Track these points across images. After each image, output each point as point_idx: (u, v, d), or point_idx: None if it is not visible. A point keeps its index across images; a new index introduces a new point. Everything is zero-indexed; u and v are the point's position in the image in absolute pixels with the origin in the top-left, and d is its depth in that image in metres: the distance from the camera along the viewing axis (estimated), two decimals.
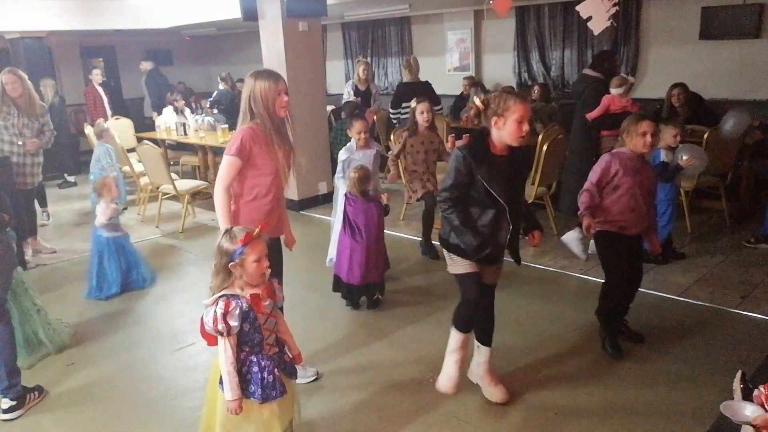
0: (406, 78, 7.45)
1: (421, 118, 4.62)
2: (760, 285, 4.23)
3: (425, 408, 2.99)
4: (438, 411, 2.96)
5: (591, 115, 4.68)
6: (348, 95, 7.98)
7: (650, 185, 3.32)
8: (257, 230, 2.27)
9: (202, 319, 2.22)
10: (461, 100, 8.64)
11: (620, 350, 3.37)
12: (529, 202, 5.28)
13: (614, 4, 4.03)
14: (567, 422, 2.85)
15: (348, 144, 4.48)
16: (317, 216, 6.56)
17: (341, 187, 4.35)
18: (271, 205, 2.99)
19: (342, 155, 4.42)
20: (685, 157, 4.37)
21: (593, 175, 3.27)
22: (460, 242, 2.70)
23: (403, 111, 7.19)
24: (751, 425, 2.06)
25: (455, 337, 2.96)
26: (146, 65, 10.67)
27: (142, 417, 3.07)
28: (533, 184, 5.21)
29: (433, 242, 5.05)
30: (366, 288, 4.11)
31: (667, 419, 2.82)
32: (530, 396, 3.05)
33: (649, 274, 4.52)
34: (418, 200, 5.05)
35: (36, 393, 3.22)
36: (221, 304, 2.18)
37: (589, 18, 4.18)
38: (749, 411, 2.11)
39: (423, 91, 7.07)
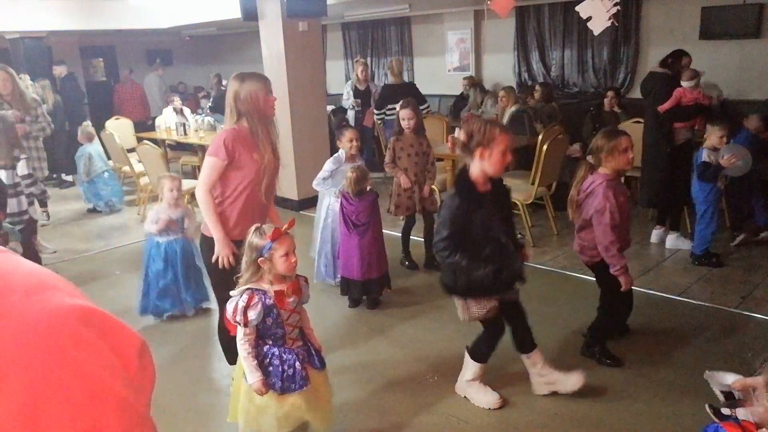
0: (390, 80, 7.48)
1: (404, 125, 4.58)
2: (761, 285, 4.23)
3: (425, 408, 2.99)
4: (438, 411, 2.96)
5: (662, 108, 4.72)
6: (348, 95, 7.99)
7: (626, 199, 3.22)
8: (285, 226, 2.35)
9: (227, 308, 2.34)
10: (461, 101, 8.65)
11: (618, 359, 3.31)
12: (529, 202, 5.34)
13: (614, 4, 4.03)
14: (567, 422, 2.85)
15: (336, 155, 4.46)
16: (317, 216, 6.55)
17: (326, 194, 4.43)
18: (257, 204, 2.95)
19: (330, 165, 4.39)
20: (726, 156, 4.30)
21: (610, 217, 3.02)
22: (476, 280, 2.62)
23: (387, 112, 7.23)
24: (732, 392, 2.21)
25: (474, 367, 2.94)
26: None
27: None
28: (533, 184, 5.21)
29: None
30: (368, 284, 4.12)
31: (667, 419, 2.82)
32: (530, 396, 3.05)
33: (649, 274, 4.54)
34: (400, 217, 4.95)
35: None
36: (245, 296, 2.28)
37: (589, 18, 4.18)
38: (730, 380, 2.26)
39: (407, 92, 7.14)
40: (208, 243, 2.93)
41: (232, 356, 3.03)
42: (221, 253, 2.84)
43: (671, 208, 5.05)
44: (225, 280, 2.77)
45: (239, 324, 2.29)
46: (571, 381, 2.94)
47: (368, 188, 4.13)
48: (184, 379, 3.41)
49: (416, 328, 3.86)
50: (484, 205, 2.59)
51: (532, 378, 3.01)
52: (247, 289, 2.31)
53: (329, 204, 4.45)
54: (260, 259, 2.30)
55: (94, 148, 6.94)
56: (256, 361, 2.33)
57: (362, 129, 7.81)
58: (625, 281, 3.13)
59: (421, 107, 7.29)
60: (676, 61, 4.89)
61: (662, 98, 4.75)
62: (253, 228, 2.38)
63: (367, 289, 4.14)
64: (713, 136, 4.34)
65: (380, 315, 4.09)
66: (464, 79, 8.79)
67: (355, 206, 4.05)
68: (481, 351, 2.92)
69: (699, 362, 3.28)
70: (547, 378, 2.97)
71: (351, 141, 4.36)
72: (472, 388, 2.98)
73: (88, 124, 7.19)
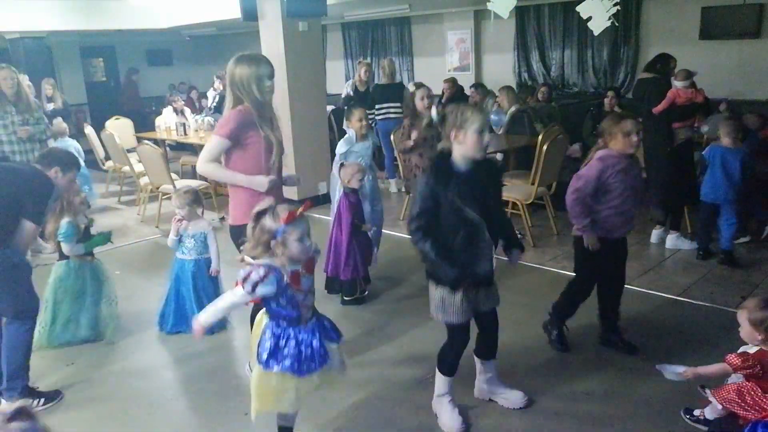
0: (382, 80, 7.49)
1: (420, 105, 4.61)
2: (761, 285, 4.23)
3: (425, 407, 2.99)
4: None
5: (656, 109, 4.74)
6: (346, 95, 8.01)
7: (638, 184, 3.24)
8: (300, 209, 2.25)
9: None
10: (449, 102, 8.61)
11: (567, 346, 3.44)
12: (529, 202, 5.33)
13: (614, 4, 4.03)
14: (567, 422, 2.85)
15: (346, 135, 4.41)
16: (317, 216, 6.55)
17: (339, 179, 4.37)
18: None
19: (341, 147, 4.36)
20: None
21: (583, 183, 3.14)
22: (438, 275, 2.59)
23: (377, 112, 7.24)
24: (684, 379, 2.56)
25: (443, 381, 2.82)
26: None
27: (141, 417, 3.08)
28: (533, 183, 5.21)
29: None
30: (354, 282, 4.15)
31: (668, 419, 2.81)
32: (530, 396, 3.04)
33: (649, 274, 4.54)
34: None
35: (42, 399, 3.11)
36: (261, 271, 2.17)
37: (589, 18, 4.18)
38: (680, 370, 2.58)
39: (395, 92, 7.17)
40: (235, 232, 2.95)
41: None
42: (263, 184, 2.89)
43: (674, 209, 5.04)
44: None
45: (244, 290, 2.19)
46: (513, 397, 2.93)
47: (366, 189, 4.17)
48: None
49: (417, 328, 3.84)
50: (456, 182, 2.49)
51: (477, 381, 3.00)
52: (265, 264, 2.20)
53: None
54: (273, 241, 2.20)
55: (68, 143, 6.86)
56: (219, 317, 2.33)
57: None
58: (589, 240, 3.18)
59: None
60: (665, 64, 4.90)
61: (656, 101, 4.76)
62: (268, 209, 2.25)
63: (355, 287, 4.17)
64: (726, 138, 4.43)
65: (380, 315, 4.08)
66: (445, 81, 8.49)
67: (352, 203, 4.08)
68: (445, 361, 2.81)
69: (699, 362, 3.26)
70: (491, 389, 2.97)
71: (360, 120, 4.32)
72: (441, 406, 2.84)
73: (60, 121, 7.06)
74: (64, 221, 3.59)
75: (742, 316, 2.39)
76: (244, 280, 2.17)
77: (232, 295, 2.27)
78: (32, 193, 2.87)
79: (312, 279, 2.36)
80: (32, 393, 3.11)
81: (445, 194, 2.48)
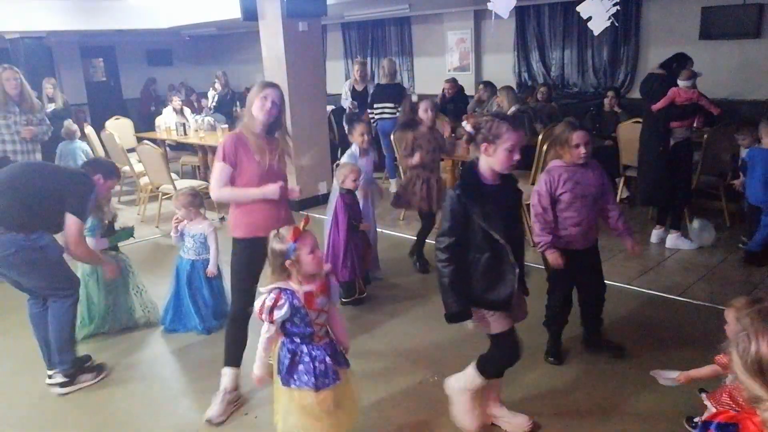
0: (381, 80, 7.50)
1: (425, 116, 4.53)
2: (760, 285, 4.23)
3: (425, 407, 2.99)
4: (438, 411, 2.96)
5: (656, 106, 4.74)
6: (345, 95, 8.00)
7: (596, 192, 3.15)
8: (303, 223, 2.33)
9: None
10: (450, 104, 8.59)
11: (560, 359, 3.36)
12: (529, 202, 5.32)
13: (614, 4, 4.03)
14: (566, 420, 2.85)
15: (349, 150, 4.46)
16: (317, 216, 6.55)
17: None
18: (266, 208, 2.98)
19: (345, 161, 4.40)
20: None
21: (537, 199, 3.12)
22: (442, 299, 2.49)
23: (376, 112, 7.25)
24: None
25: (477, 380, 2.66)
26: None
27: (142, 417, 3.08)
28: (533, 184, 5.21)
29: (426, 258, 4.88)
30: (353, 283, 4.16)
31: (668, 420, 2.81)
32: (529, 396, 3.05)
33: (649, 274, 4.54)
34: (418, 212, 4.82)
35: (92, 373, 3.36)
36: (272, 295, 2.26)
37: (589, 18, 4.18)
38: (674, 375, 2.61)
39: (394, 93, 7.18)
40: (235, 244, 3.03)
41: (230, 358, 3.04)
42: (275, 190, 2.93)
43: (672, 208, 5.05)
44: (244, 285, 2.94)
45: (264, 321, 2.28)
46: (517, 421, 2.80)
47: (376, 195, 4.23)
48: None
49: (417, 329, 3.85)
50: (486, 198, 2.41)
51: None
52: (275, 288, 2.28)
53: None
54: (288, 262, 2.26)
55: (76, 145, 6.90)
56: (266, 360, 2.35)
57: None
58: (551, 258, 3.12)
59: (401, 109, 7.32)
60: (681, 65, 4.86)
61: (658, 98, 4.76)
62: (271, 235, 2.34)
63: (354, 288, 4.19)
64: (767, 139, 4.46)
65: (379, 315, 4.09)
66: (446, 82, 8.50)
67: (349, 204, 4.08)
68: (490, 367, 2.66)
69: (700, 362, 3.27)
70: (492, 411, 2.84)
71: (362, 135, 4.37)
72: (459, 400, 2.75)
73: (70, 122, 7.07)
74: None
75: (730, 314, 2.42)
76: (261, 311, 2.25)
77: (262, 331, 2.33)
78: (74, 190, 3.13)
79: (326, 300, 2.40)
80: (82, 366, 3.36)
81: (474, 210, 2.39)
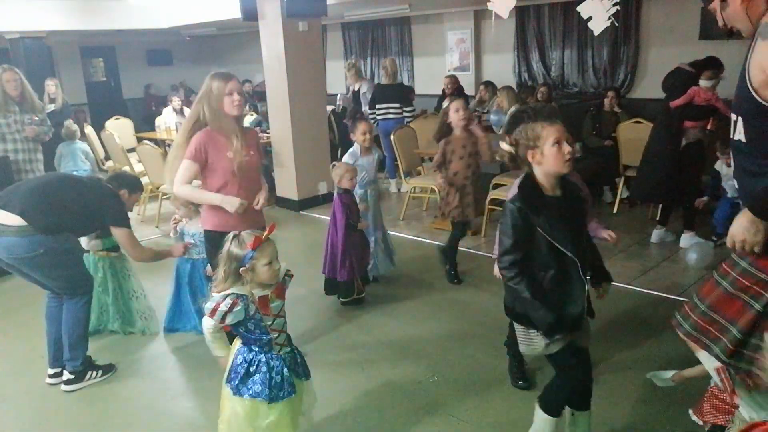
0: (383, 80, 7.51)
1: (456, 117, 4.21)
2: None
3: (425, 408, 2.99)
4: (438, 411, 2.96)
5: (675, 103, 4.70)
6: (344, 94, 8.04)
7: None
8: (266, 233, 2.25)
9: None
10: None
11: (530, 381, 3.15)
12: None
13: (614, 4, 4.03)
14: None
15: (351, 149, 4.44)
16: (317, 216, 6.56)
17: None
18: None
19: (347, 160, 4.38)
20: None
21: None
22: (532, 318, 2.23)
23: (378, 112, 7.25)
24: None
25: (545, 422, 2.44)
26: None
27: (142, 417, 3.08)
28: None
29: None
30: (352, 283, 4.14)
31: (669, 420, 2.81)
32: (529, 396, 3.04)
33: (649, 274, 4.53)
34: (451, 220, 4.50)
35: (100, 371, 3.39)
36: (228, 300, 2.18)
37: (590, 18, 4.18)
38: (669, 374, 2.63)
39: (395, 92, 7.18)
40: (207, 236, 3.16)
41: None
42: (234, 205, 2.97)
43: (685, 209, 5.01)
44: None
45: (214, 321, 2.22)
46: None
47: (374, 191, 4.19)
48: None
49: (417, 329, 3.85)
50: (549, 208, 2.20)
51: None
52: (231, 294, 2.20)
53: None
54: (242, 269, 2.20)
55: (76, 145, 6.87)
56: (219, 342, 2.32)
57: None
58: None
59: (407, 110, 7.34)
60: (714, 66, 4.81)
61: (678, 94, 4.72)
62: (230, 236, 2.26)
63: (352, 288, 4.17)
64: None
65: (379, 316, 4.09)
66: (446, 77, 8.50)
67: (345, 204, 4.08)
68: (553, 399, 2.44)
69: (698, 361, 3.28)
70: None
71: (364, 134, 4.32)
72: None
73: (71, 122, 7.06)
74: None
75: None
76: (213, 311, 2.19)
77: (205, 327, 2.28)
78: (112, 207, 3.32)
79: (282, 303, 2.34)
80: (91, 364, 3.39)
81: (538, 222, 2.17)
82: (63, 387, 3.29)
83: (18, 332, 4.04)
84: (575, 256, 2.19)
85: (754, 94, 1.88)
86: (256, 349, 2.30)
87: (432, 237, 5.56)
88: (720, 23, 2.15)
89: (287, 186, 6.91)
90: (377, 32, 10.82)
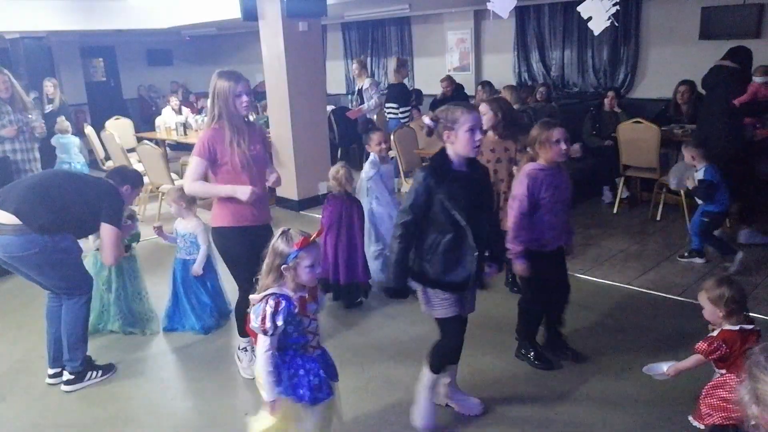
0: (392, 79, 7.57)
1: (484, 120, 3.96)
2: (761, 285, 4.23)
3: None
4: (437, 410, 2.96)
5: (740, 100, 4.69)
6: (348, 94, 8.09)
7: (567, 197, 3.14)
8: (314, 235, 2.21)
9: (249, 315, 2.20)
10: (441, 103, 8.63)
11: (551, 362, 3.30)
12: None
13: (614, 4, 4.03)
14: (566, 419, 2.85)
15: (371, 158, 4.38)
16: (317, 216, 6.55)
17: (368, 196, 4.32)
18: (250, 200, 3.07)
19: (369, 170, 4.33)
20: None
21: (519, 203, 3.03)
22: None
23: (386, 111, 7.28)
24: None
25: (430, 377, 2.77)
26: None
27: (142, 417, 3.08)
28: None
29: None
30: (350, 287, 4.14)
31: (668, 420, 2.81)
32: (529, 396, 3.04)
33: (649, 274, 4.54)
34: None
35: (100, 371, 3.39)
36: (271, 302, 2.12)
37: (590, 18, 4.18)
38: (665, 367, 2.65)
39: (398, 93, 7.20)
40: (217, 233, 3.14)
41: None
42: (247, 193, 2.98)
43: (753, 203, 5.03)
44: (244, 264, 2.97)
45: (266, 333, 2.12)
46: (470, 404, 2.92)
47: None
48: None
49: (417, 328, 3.84)
50: (453, 180, 2.50)
51: (438, 387, 2.90)
52: (272, 294, 2.15)
53: (371, 207, 4.36)
54: (284, 266, 2.15)
55: (70, 139, 6.96)
56: (275, 378, 2.17)
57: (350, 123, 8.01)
58: (519, 267, 3.09)
59: (403, 109, 7.36)
60: (748, 57, 4.79)
61: (735, 92, 4.70)
62: (279, 231, 2.22)
63: (350, 291, 4.18)
64: None
65: (378, 316, 4.09)
66: (442, 80, 8.49)
67: (341, 207, 4.08)
68: (436, 359, 2.74)
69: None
70: (451, 395, 2.94)
71: (379, 144, 4.29)
72: (419, 398, 2.81)
73: (63, 119, 7.11)
74: None
75: (703, 297, 2.47)
76: (263, 320, 2.10)
77: (261, 349, 2.16)
78: (110, 203, 3.25)
79: (316, 306, 2.32)
80: (91, 364, 3.39)
81: (439, 192, 2.48)
82: (63, 387, 3.29)
83: (18, 332, 4.05)
84: (468, 224, 2.49)
85: None
86: (291, 352, 2.25)
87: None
88: None
89: (287, 186, 6.90)
90: (377, 32, 10.82)
